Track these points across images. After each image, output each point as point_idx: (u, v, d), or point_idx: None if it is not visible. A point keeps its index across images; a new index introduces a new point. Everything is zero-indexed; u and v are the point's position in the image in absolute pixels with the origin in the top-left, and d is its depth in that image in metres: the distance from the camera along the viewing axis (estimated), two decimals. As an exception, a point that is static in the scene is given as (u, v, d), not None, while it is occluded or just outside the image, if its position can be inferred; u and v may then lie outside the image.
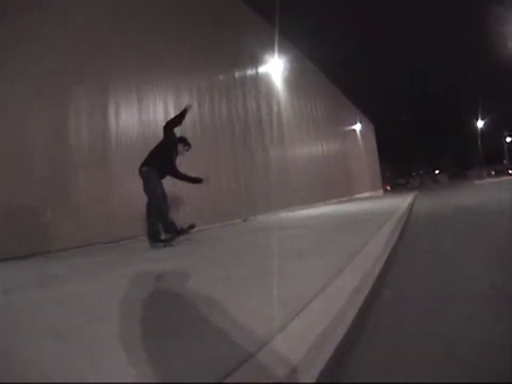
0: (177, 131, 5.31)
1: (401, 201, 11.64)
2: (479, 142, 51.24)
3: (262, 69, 13.46)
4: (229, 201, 9.62)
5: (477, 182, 29.00)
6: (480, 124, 53.90)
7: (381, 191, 33.21)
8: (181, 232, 5.06)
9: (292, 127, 15.38)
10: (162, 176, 5.01)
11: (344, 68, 26.20)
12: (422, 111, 66.86)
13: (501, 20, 27.88)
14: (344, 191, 21.03)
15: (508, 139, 58.21)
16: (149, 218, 4.89)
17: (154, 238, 4.87)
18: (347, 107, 25.98)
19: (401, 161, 68.04)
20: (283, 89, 15.03)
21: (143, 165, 4.89)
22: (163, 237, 4.92)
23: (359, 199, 20.48)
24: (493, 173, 49.91)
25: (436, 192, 20.69)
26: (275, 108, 13.99)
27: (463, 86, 61.36)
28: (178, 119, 5.11)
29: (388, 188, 51.98)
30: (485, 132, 53.01)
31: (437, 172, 71.94)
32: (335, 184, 19.41)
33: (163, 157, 4.98)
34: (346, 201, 17.94)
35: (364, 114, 31.17)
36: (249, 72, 12.54)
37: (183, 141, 5.26)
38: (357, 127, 27.17)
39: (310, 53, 18.73)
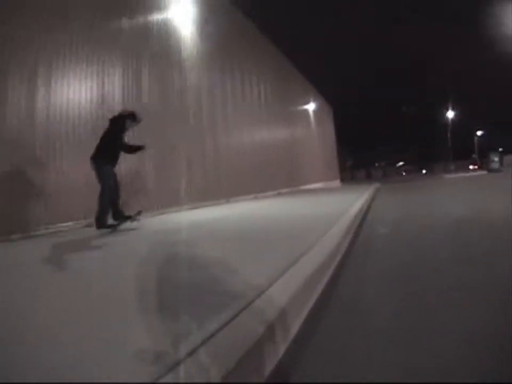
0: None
1: (354, 199, 8.32)
2: (448, 134, 48.97)
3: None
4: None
5: (447, 176, 26.08)
6: (450, 114, 51.83)
7: (337, 182, 29.77)
8: (128, 218, 5.29)
9: (218, 104, 11.76)
10: (114, 162, 5.19)
11: (296, 36, 22.25)
12: (386, 98, 64.60)
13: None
14: (288, 181, 17.32)
15: (479, 133, 56.83)
16: (100, 205, 4.93)
17: (102, 224, 4.94)
18: (298, 82, 22.12)
19: (362, 151, 65.61)
20: (207, 59, 11.11)
21: (93, 157, 4.97)
22: (110, 222, 5.07)
23: (304, 191, 16.81)
24: (471, 167, 46.88)
25: (402, 186, 17.26)
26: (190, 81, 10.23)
27: (432, 73, 59.51)
28: (125, 147, 5.42)
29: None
30: (456, 124, 51.14)
31: (400, 163, 69.96)
32: (274, 174, 15.61)
33: (111, 146, 5.07)
34: (285, 195, 14.21)
35: (319, 94, 27.44)
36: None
37: (131, 116, 5.26)
38: (310, 107, 23.39)
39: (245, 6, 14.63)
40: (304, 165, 20.72)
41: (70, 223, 6.01)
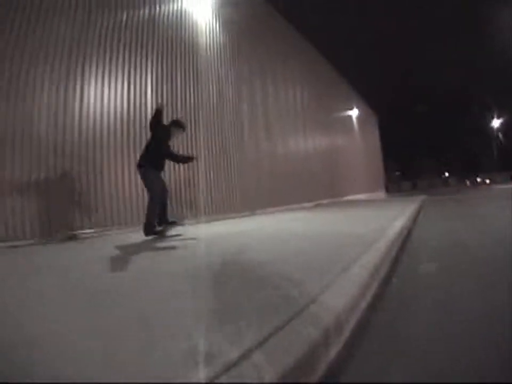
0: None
1: (397, 214, 7.38)
2: (497, 142, 45.72)
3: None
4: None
5: (498, 186, 23.88)
6: (496, 123, 48.75)
7: (381, 193, 28.04)
8: (173, 223, 5.25)
9: (252, 111, 10.97)
10: (160, 169, 5.11)
11: (340, 38, 21.20)
12: (432, 108, 61.57)
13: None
14: (327, 191, 16.16)
15: None
16: (148, 212, 4.85)
17: (150, 230, 4.85)
18: (340, 87, 20.94)
19: (408, 161, 62.96)
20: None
21: (139, 164, 4.96)
22: (157, 229, 4.96)
23: (345, 203, 15.52)
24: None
25: (449, 200, 15.55)
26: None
27: (477, 80, 56.04)
28: (172, 156, 5.32)
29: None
30: (503, 132, 47.87)
31: (446, 174, 66.74)
32: (312, 184, 14.50)
33: (156, 154, 4.97)
34: (323, 206, 13.05)
35: (363, 100, 26.06)
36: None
37: (177, 124, 5.28)
38: (353, 113, 22.09)
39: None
40: (345, 174, 19.47)
41: (113, 228, 6.25)
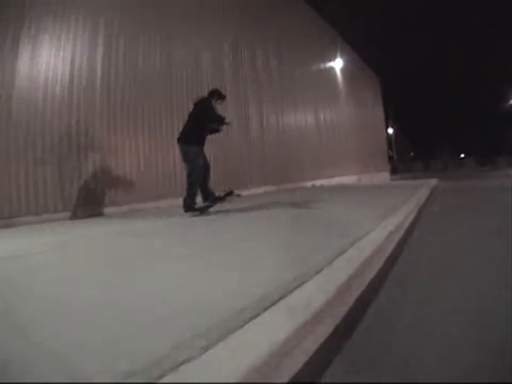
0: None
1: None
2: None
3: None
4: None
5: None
6: None
7: (383, 175, 22.67)
8: (220, 199, 5.18)
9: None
10: (202, 143, 5.03)
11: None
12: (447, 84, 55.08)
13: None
14: (277, 176, 11.02)
15: None
16: (189, 187, 4.83)
17: (190, 206, 4.81)
18: (315, 29, 15.53)
19: (422, 141, 57.05)
20: None
21: (181, 141, 4.92)
22: (198, 206, 4.90)
23: (317, 189, 10.48)
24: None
25: (472, 187, 10.40)
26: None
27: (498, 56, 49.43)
28: (212, 119, 4.97)
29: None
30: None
31: (462, 155, 60.45)
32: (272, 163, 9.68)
33: (198, 128, 4.94)
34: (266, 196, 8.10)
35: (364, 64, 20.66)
36: None
37: (216, 94, 5.15)
38: (336, 64, 16.67)
39: None
40: (318, 150, 13.96)
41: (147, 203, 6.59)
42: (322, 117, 14.70)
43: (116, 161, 6.38)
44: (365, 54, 22.55)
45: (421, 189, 7.51)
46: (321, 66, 15.33)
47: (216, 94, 5.10)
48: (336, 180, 14.28)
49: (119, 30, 6.67)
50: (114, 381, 0.89)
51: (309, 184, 11.91)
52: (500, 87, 46.79)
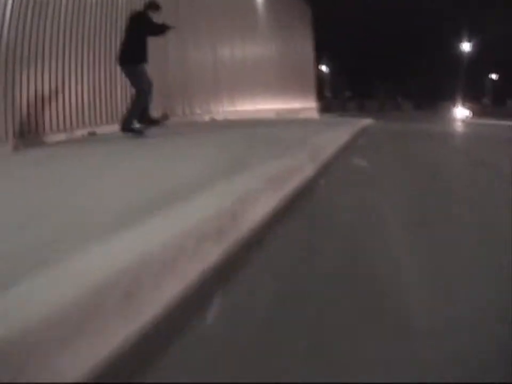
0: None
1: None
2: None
3: None
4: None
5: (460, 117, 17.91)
6: (466, 46, 41.86)
7: (312, 113, 20.45)
8: (155, 122, 5.09)
9: None
10: (146, 59, 4.83)
11: None
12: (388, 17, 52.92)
13: None
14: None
15: (494, 76, 46.61)
16: (131, 108, 4.79)
17: (128, 127, 4.77)
18: None
19: (359, 80, 55.43)
20: None
21: (121, 60, 4.79)
22: (136, 127, 4.86)
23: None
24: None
25: (405, 123, 8.72)
26: None
27: None
28: (155, 31, 4.89)
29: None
30: (467, 62, 41.65)
31: (399, 98, 59.82)
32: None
33: (139, 44, 4.72)
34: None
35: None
36: None
37: (153, 5, 4.90)
38: None
39: None
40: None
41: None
42: (238, 48, 11.94)
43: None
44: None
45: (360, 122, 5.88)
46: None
47: (152, 5, 4.90)
48: (249, 114, 11.83)
49: None
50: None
51: (208, 117, 9.38)
52: (447, 34, 45.55)
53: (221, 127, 6.67)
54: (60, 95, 5.35)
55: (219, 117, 9.90)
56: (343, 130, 5.62)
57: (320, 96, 24.32)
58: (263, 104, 13.72)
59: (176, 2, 8.71)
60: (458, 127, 12.76)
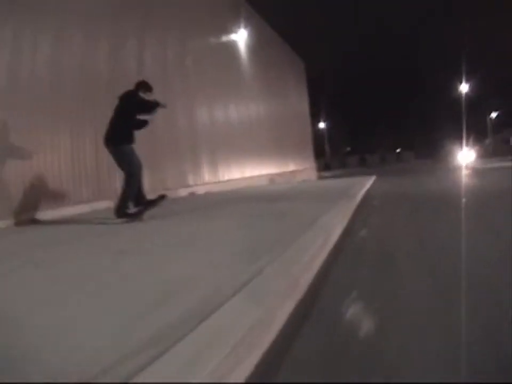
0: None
1: None
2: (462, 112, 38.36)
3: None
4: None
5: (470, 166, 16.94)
6: (465, 88, 41.60)
7: (311, 173, 19.54)
8: (152, 203, 4.87)
9: None
10: (133, 139, 4.73)
11: None
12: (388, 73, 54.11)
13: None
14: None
15: (493, 114, 46.22)
16: (124, 193, 4.55)
17: (123, 213, 4.54)
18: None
19: (358, 134, 55.33)
20: None
21: (108, 141, 4.58)
22: (131, 211, 4.65)
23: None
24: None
25: (414, 183, 7.70)
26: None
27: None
28: (146, 109, 4.71)
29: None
30: (467, 103, 41.24)
31: (398, 150, 59.11)
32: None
33: (127, 124, 4.64)
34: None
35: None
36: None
37: (143, 86, 4.82)
38: (240, 36, 13.17)
39: None
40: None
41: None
42: (221, 108, 11.19)
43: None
44: (291, 39, 19.39)
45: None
46: (224, 39, 11.81)
47: (143, 86, 4.80)
48: (239, 183, 10.72)
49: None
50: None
51: (187, 192, 8.20)
52: (443, 81, 46.14)
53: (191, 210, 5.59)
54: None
55: (200, 190, 8.77)
56: (335, 212, 4.35)
57: (320, 153, 23.65)
58: (254, 169, 12.69)
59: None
60: (464, 177, 11.47)
